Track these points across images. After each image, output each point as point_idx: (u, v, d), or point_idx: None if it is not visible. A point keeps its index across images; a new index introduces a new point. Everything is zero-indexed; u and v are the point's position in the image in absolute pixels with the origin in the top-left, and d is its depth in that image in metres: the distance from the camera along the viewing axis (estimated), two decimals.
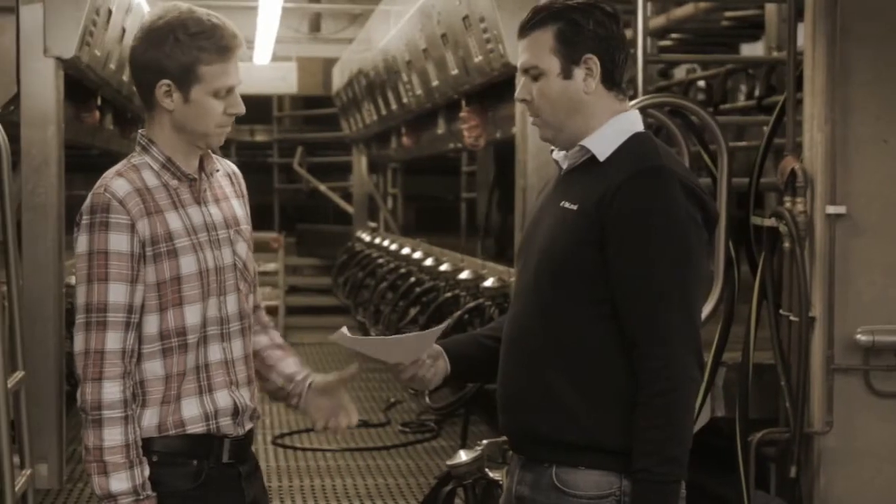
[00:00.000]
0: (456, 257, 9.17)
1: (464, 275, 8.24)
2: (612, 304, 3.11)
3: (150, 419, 3.31)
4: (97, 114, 7.88)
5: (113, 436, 3.24)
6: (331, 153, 18.10)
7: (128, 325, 3.25)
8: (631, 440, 3.09)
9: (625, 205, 3.08)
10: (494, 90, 7.48)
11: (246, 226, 3.49)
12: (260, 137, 18.82)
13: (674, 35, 11.28)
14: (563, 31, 3.19)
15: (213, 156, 3.48)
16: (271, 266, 14.66)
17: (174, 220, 3.31)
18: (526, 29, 3.25)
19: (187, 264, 3.30)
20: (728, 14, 10.09)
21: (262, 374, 3.55)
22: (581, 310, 3.14)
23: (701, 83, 9.88)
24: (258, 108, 18.27)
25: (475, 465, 5.47)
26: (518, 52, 3.29)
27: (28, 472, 5.33)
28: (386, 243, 12.09)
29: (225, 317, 3.38)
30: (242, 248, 3.44)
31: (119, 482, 3.24)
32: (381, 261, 11.44)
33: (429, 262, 9.68)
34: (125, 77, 7.31)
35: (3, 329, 5.23)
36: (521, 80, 3.28)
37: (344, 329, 3.32)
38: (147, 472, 3.28)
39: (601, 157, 3.18)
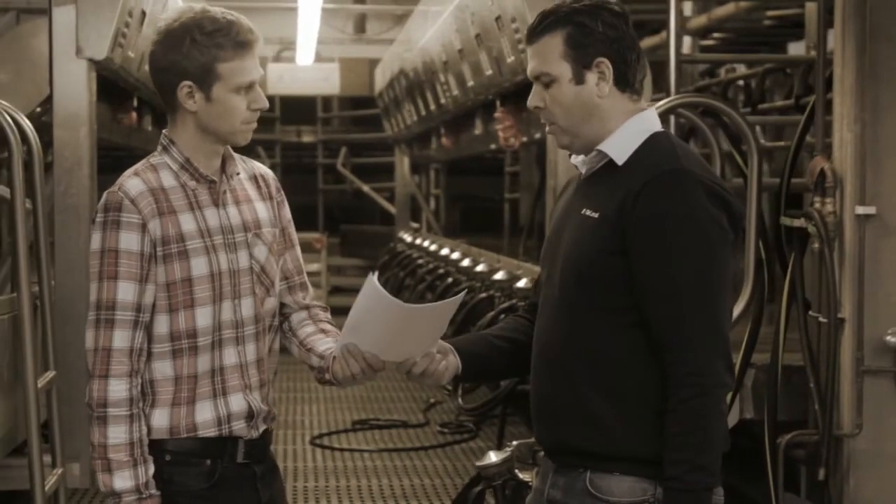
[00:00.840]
0: (493, 258, 9.15)
1: (498, 275, 8.23)
2: (638, 311, 3.07)
3: (159, 420, 3.32)
4: (134, 115, 7.92)
5: (117, 434, 3.25)
6: (375, 154, 18.13)
7: (136, 323, 3.26)
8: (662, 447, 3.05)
9: (645, 210, 3.04)
10: (529, 90, 7.44)
11: (269, 228, 3.47)
12: (306, 138, 18.87)
13: (716, 34, 11.23)
14: (572, 36, 3.14)
15: (239, 157, 3.49)
16: (314, 266, 14.71)
17: (188, 222, 3.31)
18: (534, 35, 3.20)
19: (198, 266, 3.30)
20: (770, 13, 10.03)
21: (306, 360, 3.52)
22: (608, 319, 3.10)
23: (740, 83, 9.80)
24: (305, 108, 18.33)
25: (505, 465, 5.47)
26: (528, 59, 3.24)
27: (59, 471, 5.37)
28: (426, 244, 12.09)
29: (240, 320, 3.37)
30: (261, 252, 3.43)
31: (122, 480, 3.26)
32: (420, 261, 11.44)
33: (466, 262, 9.67)
34: None
35: (34, 329, 5.26)
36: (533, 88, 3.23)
37: (375, 278, 3.22)
38: (151, 470, 3.29)
39: (619, 161, 3.14)
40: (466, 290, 4.81)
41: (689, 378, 3.02)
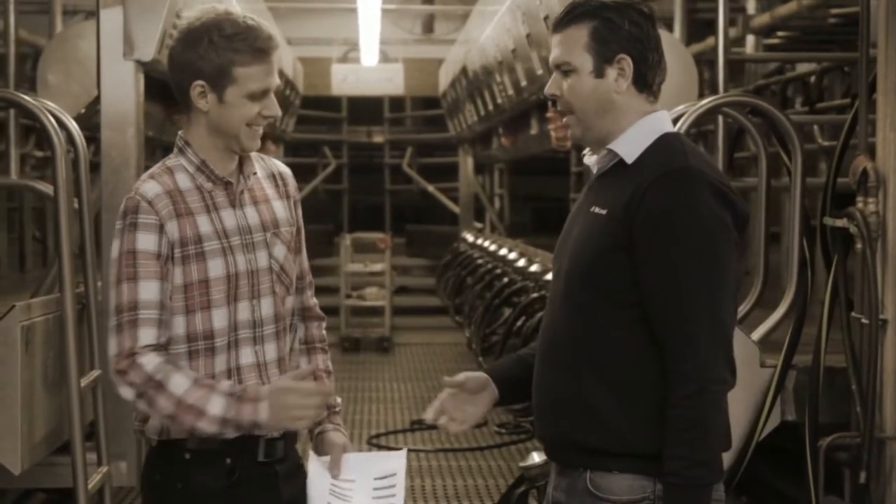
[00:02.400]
0: (547, 257, 9.15)
1: (550, 275, 8.20)
2: (642, 307, 3.09)
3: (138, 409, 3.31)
4: None
5: (177, 384, 3.23)
6: (443, 154, 18.16)
7: (160, 322, 3.26)
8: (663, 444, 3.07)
9: (651, 207, 3.06)
10: None
11: (287, 227, 3.48)
12: (377, 139, 18.94)
13: (781, 33, 11.13)
14: (598, 29, 3.17)
15: (257, 156, 3.49)
16: (378, 266, 14.74)
17: (204, 224, 3.32)
18: (561, 24, 3.22)
19: (215, 268, 3.31)
20: (834, 11, 9.92)
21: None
22: (612, 314, 3.12)
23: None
24: (373, 109, 18.39)
25: (547, 466, 5.43)
26: (552, 47, 3.25)
27: (105, 469, 5.41)
28: (486, 244, 12.09)
29: (258, 320, 3.38)
30: (280, 251, 3.44)
31: (216, 406, 3.24)
32: (480, 261, 11.44)
33: (521, 262, 9.67)
34: None
35: (80, 330, 5.31)
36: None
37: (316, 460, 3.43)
38: (224, 384, 3.30)
39: (629, 160, 3.17)
40: (520, 290, 4.81)
41: (689, 375, 3.03)
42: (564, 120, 3.26)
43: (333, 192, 18.98)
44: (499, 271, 10.24)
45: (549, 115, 7.94)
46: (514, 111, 9.68)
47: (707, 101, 5.29)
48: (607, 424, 3.11)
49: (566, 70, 3.20)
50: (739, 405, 4.76)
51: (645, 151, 3.16)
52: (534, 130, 9.38)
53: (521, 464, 5.62)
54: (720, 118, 6.11)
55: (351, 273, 14.92)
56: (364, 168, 19.02)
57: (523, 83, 8.38)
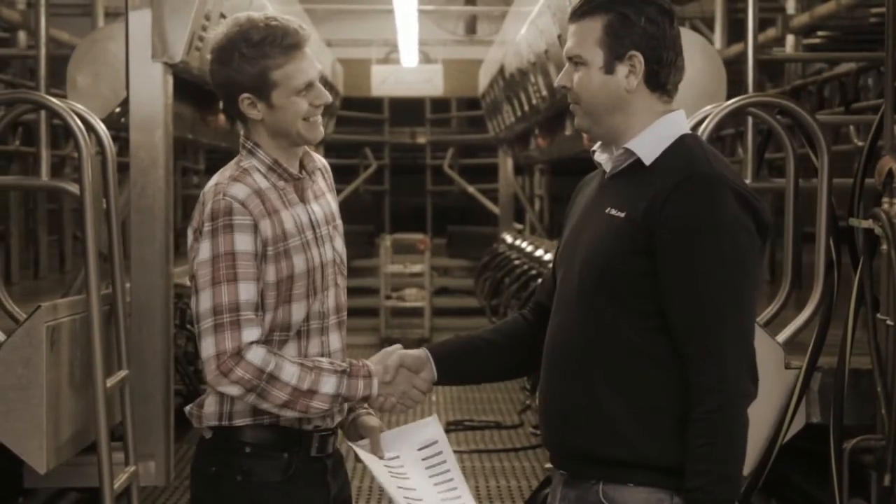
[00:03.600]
0: None
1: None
2: (661, 316, 3.01)
3: (244, 403, 3.35)
4: (222, 116, 8.01)
5: (289, 374, 3.30)
6: (484, 155, 18.14)
7: (259, 321, 3.31)
8: (682, 457, 2.99)
9: (674, 213, 2.99)
10: None
11: (339, 220, 3.57)
12: (421, 139, 18.95)
13: (821, 33, 11.07)
14: (612, 24, 3.10)
15: (309, 151, 3.55)
16: (417, 267, 14.76)
17: (287, 220, 3.38)
18: (577, 15, 3.15)
19: (298, 263, 3.38)
20: (874, 10, 9.85)
21: None
22: (630, 322, 3.04)
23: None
24: (415, 110, 18.40)
25: None
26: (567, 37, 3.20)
27: (132, 468, 5.44)
28: (524, 245, 12.08)
29: (325, 311, 3.45)
30: (340, 244, 3.53)
31: (328, 384, 3.32)
32: (516, 262, 11.43)
33: None
34: None
35: (107, 330, 5.35)
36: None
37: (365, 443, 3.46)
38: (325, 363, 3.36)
39: (647, 161, 3.09)
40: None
41: (714, 388, 2.96)
42: (571, 108, 3.20)
43: (375, 193, 19.01)
44: (534, 272, 10.22)
45: None
46: (549, 112, 9.66)
47: (732, 102, 5.26)
48: (625, 436, 3.04)
49: (577, 62, 3.13)
50: (764, 407, 4.72)
51: (663, 153, 3.09)
52: (568, 132, 9.35)
53: (548, 465, 5.60)
54: (749, 119, 6.07)
55: (391, 274, 14.94)
56: (406, 169, 19.03)
57: (556, 84, 8.35)
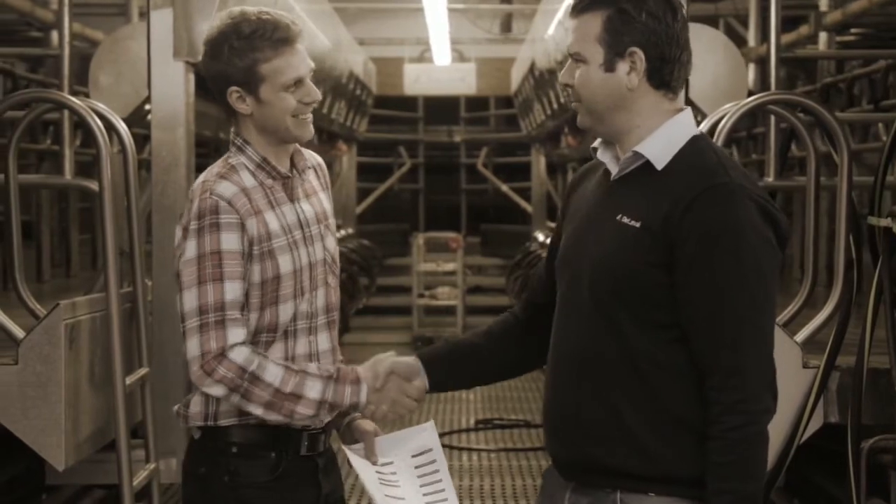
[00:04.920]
0: None
1: None
2: (679, 327, 2.94)
3: (229, 403, 3.33)
4: None
5: (272, 375, 3.27)
6: (519, 153, 18.15)
7: (244, 321, 3.28)
8: (703, 469, 2.92)
9: (695, 225, 2.89)
10: None
11: (332, 219, 3.54)
12: (457, 138, 18.96)
13: (855, 30, 11.02)
14: (611, 20, 2.98)
15: (300, 149, 3.52)
16: (450, 266, 14.76)
17: (272, 220, 3.35)
18: (576, 10, 3.04)
19: (284, 263, 3.35)
20: None
21: None
22: (647, 334, 2.95)
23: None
24: (451, 109, 18.42)
25: None
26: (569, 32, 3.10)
27: (152, 466, 5.46)
28: None
29: (314, 311, 3.42)
30: (331, 243, 3.50)
31: (313, 389, 3.30)
32: None
33: None
34: None
35: (128, 328, 5.37)
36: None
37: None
38: (313, 367, 3.34)
39: (658, 166, 2.99)
40: None
41: (738, 405, 2.89)
42: (574, 106, 3.11)
43: (409, 192, 19.03)
44: None
45: None
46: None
47: (751, 100, 5.23)
48: (640, 447, 2.96)
49: (578, 59, 3.03)
50: (781, 406, 4.64)
51: (675, 157, 3.00)
52: None
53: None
54: (772, 117, 6.04)
55: (423, 272, 14.95)
56: (440, 168, 19.05)
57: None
